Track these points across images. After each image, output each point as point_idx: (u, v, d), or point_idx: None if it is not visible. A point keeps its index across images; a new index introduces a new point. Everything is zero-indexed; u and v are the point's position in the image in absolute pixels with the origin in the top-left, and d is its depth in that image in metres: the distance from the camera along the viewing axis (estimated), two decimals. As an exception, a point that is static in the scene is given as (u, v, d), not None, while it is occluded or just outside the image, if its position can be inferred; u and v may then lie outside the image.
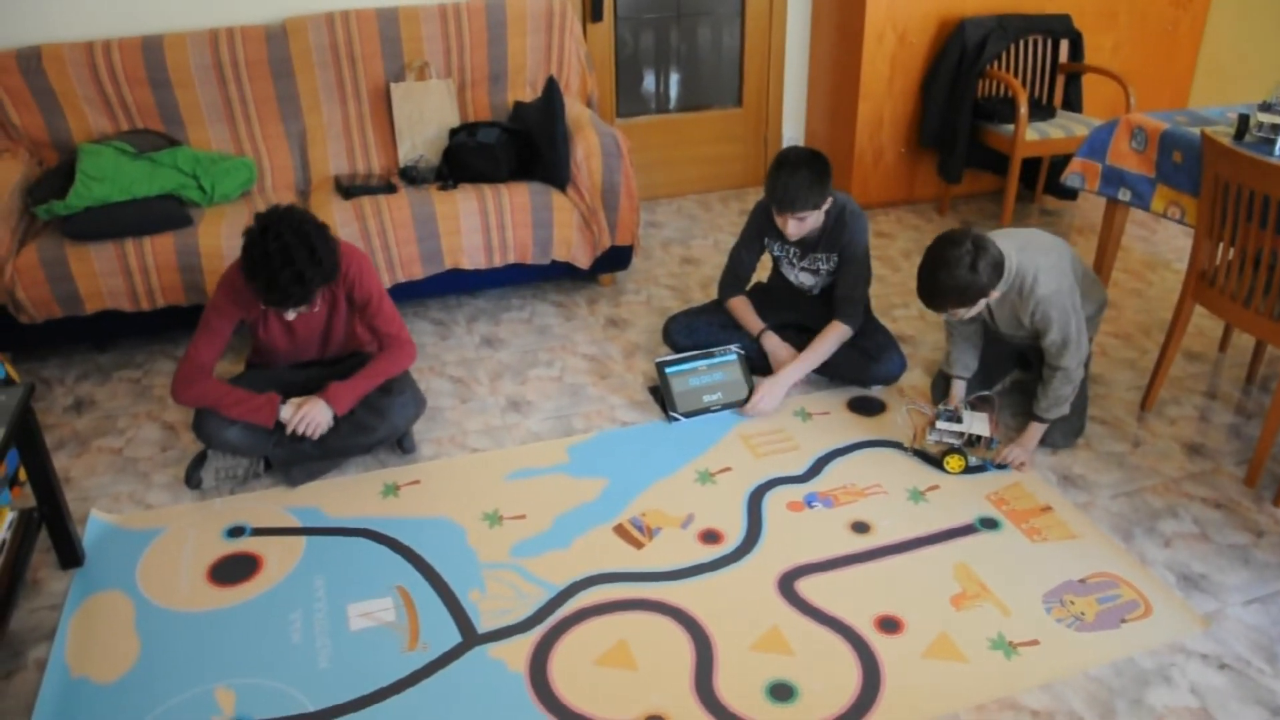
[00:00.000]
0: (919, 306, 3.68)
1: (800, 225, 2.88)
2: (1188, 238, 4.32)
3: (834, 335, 3.00)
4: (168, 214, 3.21)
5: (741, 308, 3.16)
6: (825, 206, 2.88)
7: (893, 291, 3.81)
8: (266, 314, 2.65)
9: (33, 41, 3.53)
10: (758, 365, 3.10)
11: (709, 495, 2.62)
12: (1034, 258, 2.58)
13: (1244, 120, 2.78)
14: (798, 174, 2.78)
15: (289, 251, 2.37)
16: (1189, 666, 2.06)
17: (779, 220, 2.89)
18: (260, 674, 2.07)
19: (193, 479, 2.66)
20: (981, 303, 2.55)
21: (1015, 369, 3.09)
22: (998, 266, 2.51)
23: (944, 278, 2.48)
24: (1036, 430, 2.72)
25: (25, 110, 3.42)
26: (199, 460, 2.68)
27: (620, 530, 2.49)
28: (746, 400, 2.98)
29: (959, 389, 2.82)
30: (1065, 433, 2.77)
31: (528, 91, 3.96)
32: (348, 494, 2.65)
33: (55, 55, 3.40)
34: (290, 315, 2.55)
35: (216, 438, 2.60)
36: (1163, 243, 4.27)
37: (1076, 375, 2.65)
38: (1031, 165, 4.64)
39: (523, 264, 3.62)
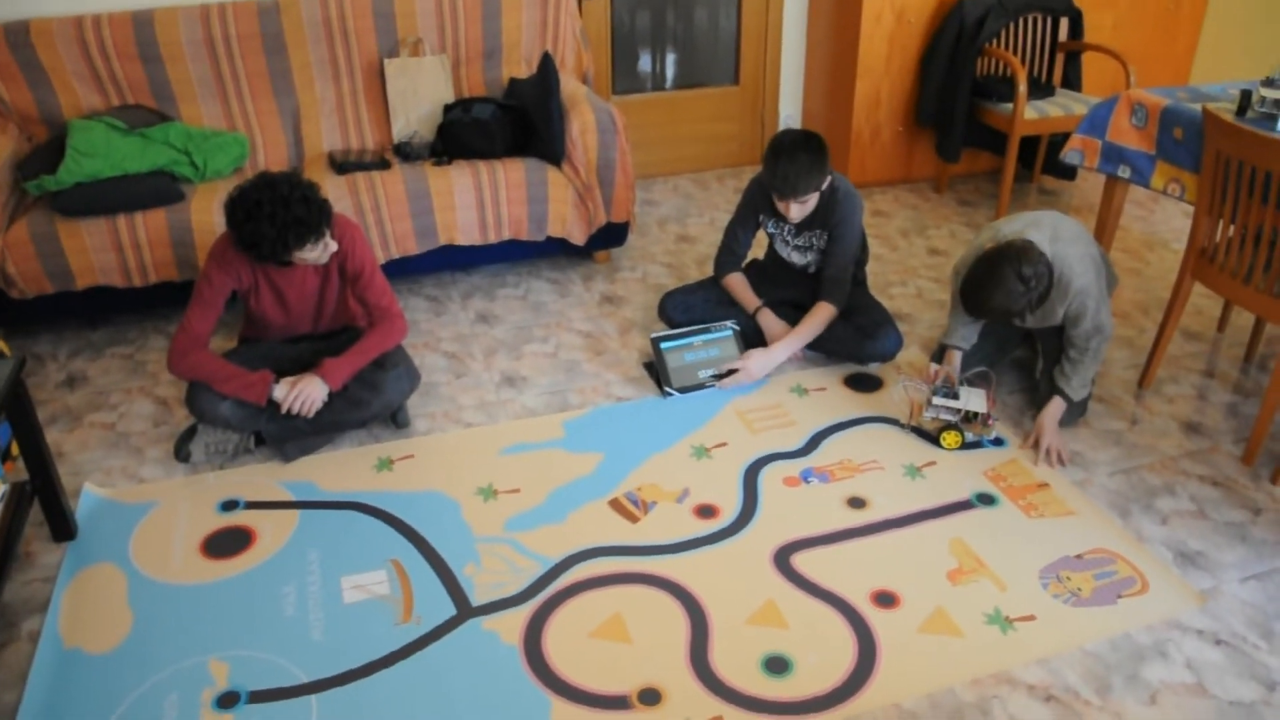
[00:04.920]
0: (916, 284, 3.67)
1: (803, 208, 2.87)
2: (1186, 218, 4.31)
3: (821, 316, 2.99)
4: (159, 190, 3.18)
5: (737, 284, 3.14)
6: (823, 187, 2.86)
7: (890, 269, 3.79)
8: (258, 285, 2.63)
9: (21, 16, 3.49)
10: (753, 341, 3.09)
11: (704, 470, 2.61)
12: (1066, 249, 2.56)
13: (1246, 96, 2.77)
14: (796, 159, 2.76)
15: (276, 188, 2.39)
16: (1185, 642, 2.06)
17: (781, 205, 2.87)
18: (254, 646, 2.06)
19: (181, 452, 2.64)
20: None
21: (1019, 348, 3.07)
22: (1048, 289, 2.49)
23: (1001, 303, 2.46)
24: (1059, 408, 2.69)
25: (14, 86, 3.38)
26: (188, 434, 2.66)
27: (615, 504, 2.48)
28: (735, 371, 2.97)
29: (955, 359, 2.81)
30: (1071, 413, 2.76)
31: (523, 68, 3.93)
32: (341, 468, 2.63)
33: (44, 30, 3.36)
34: (307, 253, 2.49)
35: (209, 412, 2.59)
36: (1161, 222, 4.25)
37: (1103, 355, 2.66)
38: (1030, 145, 4.62)
39: (518, 240, 3.61)
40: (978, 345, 2.88)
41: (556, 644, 2.05)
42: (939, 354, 2.88)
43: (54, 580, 2.26)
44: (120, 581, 2.25)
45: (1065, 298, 2.56)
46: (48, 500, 2.33)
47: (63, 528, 2.37)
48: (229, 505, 2.50)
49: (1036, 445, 2.67)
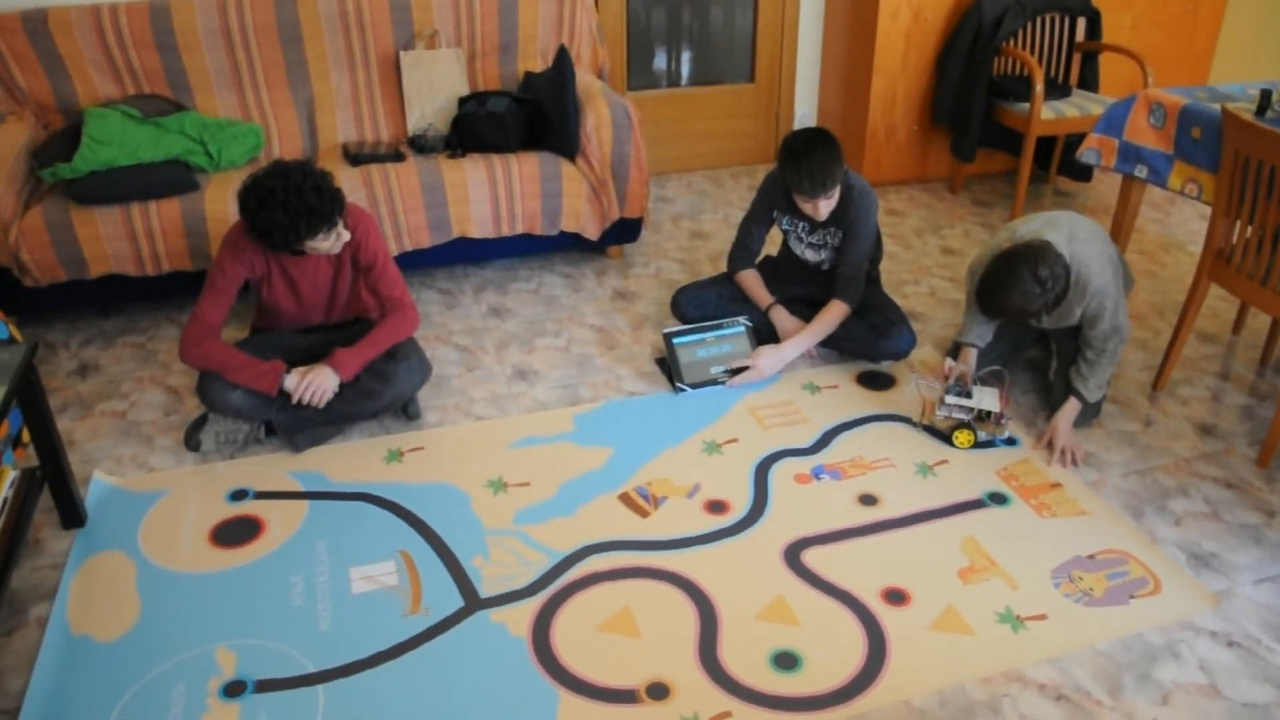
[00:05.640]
0: (930, 283, 3.65)
1: (830, 203, 2.85)
2: (1202, 220, 4.27)
3: (834, 314, 2.98)
4: (174, 179, 3.18)
5: (751, 281, 3.13)
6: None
7: (903, 268, 3.78)
8: (271, 274, 2.63)
9: (39, 4, 3.50)
10: (766, 338, 3.08)
11: (715, 466, 2.59)
12: (1083, 249, 2.54)
13: (1266, 96, 2.74)
14: (816, 156, 2.74)
15: (289, 176, 2.39)
16: (1198, 643, 2.04)
17: (809, 205, 2.85)
18: (261, 635, 2.06)
19: (192, 441, 2.65)
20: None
21: (1033, 347, 3.05)
22: (1065, 289, 2.48)
23: (1015, 303, 2.45)
24: (1074, 409, 2.66)
25: (31, 73, 3.39)
26: (199, 423, 2.66)
27: (625, 499, 2.47)
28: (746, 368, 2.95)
29: (971, 356, 2.78)
30: (1085, 414, 2.73)
31: (538, 62, 3.92)
32: (351, 459, 2.63)
33: (62, 18, 3.37)
34: (320, 243, 2.49)
35: (220, 401, 2.58)
36: (1177, 225, 4.22)
37: (1119, 356, 2.64)
38: (1046, 146, 4.59)
39: (531, 235, 3.60)
40: (992, 344, 2.86)
41: (565, 637, 2.05)
42: (954, 351, 2.86)
43: (63, 567, 2.26)
44: (129, 569, 2.25)
45: (1083, 298, 2.54)
46: (57, 487, 2.33)
47: (72, 515, 2.37)
48: (238, 495, 2.50)
49: (1051, 446, 2.65)
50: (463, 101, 3.63)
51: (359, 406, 2.65)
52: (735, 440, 2.70)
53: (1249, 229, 2.61)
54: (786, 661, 1.98)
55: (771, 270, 3.21)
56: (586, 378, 3.03)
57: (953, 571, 2.23)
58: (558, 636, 2.05)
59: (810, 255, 3.10)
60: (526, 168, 3.45)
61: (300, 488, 2.52)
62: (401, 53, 3.70)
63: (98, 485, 2.52)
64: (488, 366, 3.09)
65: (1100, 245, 2.60)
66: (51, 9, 3.37)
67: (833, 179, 2.77)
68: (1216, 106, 2.81)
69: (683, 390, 2.93)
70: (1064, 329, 2.75)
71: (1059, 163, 4.60)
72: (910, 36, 4.29)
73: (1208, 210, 4.34)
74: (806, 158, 2.74)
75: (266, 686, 1.93)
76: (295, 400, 2.55)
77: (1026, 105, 4.07)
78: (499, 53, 3.87)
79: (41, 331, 3.33)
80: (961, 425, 2.67)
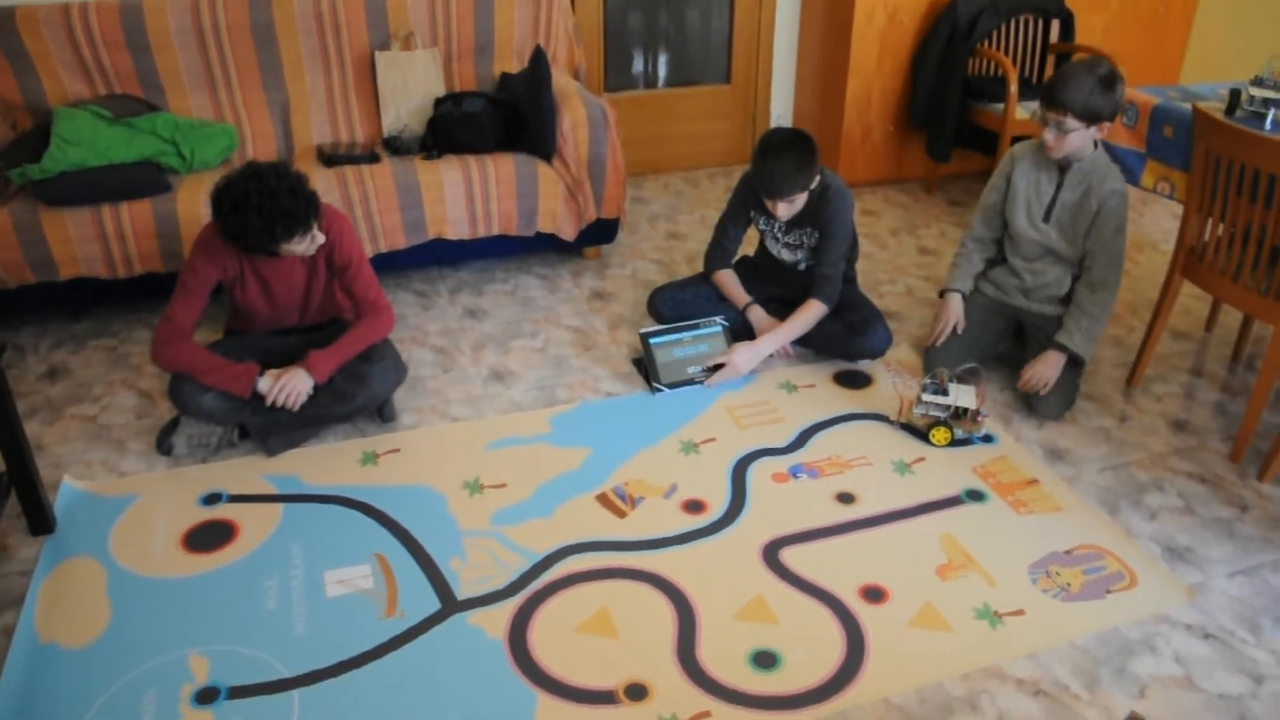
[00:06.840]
0: (906, 283, 3.66)
1: (790, 207, 2.86)
2: (1175, 219, 4.31)
3: (811, 312, 2.98)
4: (146, 180, 3.14)
5: (727, 281, 3.13)
6: (813, 185, 2.85)
7: (879, 268, 3.79)
8: (244, 276, 2.60)
9: (6, 2, 3.45)
10: (743, 338, 3.07)
11: (692, 465, 2.59)
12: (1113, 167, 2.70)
13: (1235, 95, 2.77)
14: (784, 159, 2.74)
15: (263, 178, 2.35)
16: (1173, 636, 2.05)
17: (769, 204, 2.86)
18: (235, 641, 2.03)
19: (164, 445, 2.61)
20: (1087, 133, 2.58)
21: (1006, 341, 3.07)
22: (1116, 108, 2.57)
23: (1073, 84, 2.53)
24: (1058, 358, 2.75)
25: (-1, 73, 3.35)
26: (171, 426, 2.63)
27: (603, 499, 2.46)
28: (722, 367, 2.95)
29: (955, 304, 2.93)
30: (1058, 404, 2.76)
31: (515, 63, 3.90)
32: (326, 462, 2.61)
33: (30, 16, 3.32)
34: (294, 245, 2.46)
35: (192, 404, 2.55)
36: (1150, 224, 4.26)
37: (1111, 305, 2.72)
38: (1020, 145, 4.62)
39: (507, 236, 3.58)
40: (969, 340, 2.89)
41: (542, 639, 2.03)
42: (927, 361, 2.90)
43: (30, 574, 2.23)
44: (99, 575, 2.22)
45: (1101, 188, 2.63)
46: (25, 493, 2.29)
47: (41, 521, 2.33)
48: (211, 499, 2.47)
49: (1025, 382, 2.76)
50: (438, 102, 3.61)
51: (334, 409, 2.63)
52: (712, 440, 2.70)
53: (1220, 227, 2.64)
54: (765, 660, 1.98)
55: (749, 270, 3.20)
56: (563, 378, 3.01)
57: (931, 569, 2.23)
58: (535, 638, 2.03)
59: (786, 255, 3.10)
60: (502, 168, 3.44)
61: (274, 491, 2.50)
62: (377, 53, 3.68)
63: (67, 490, 2.48)
64: (463, 368, 3.08)
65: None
66: (19, 7, 3.32)
67: (794, 185, 2.77)
68: (1187, 106, 2.84)
69: (660, 390, 2.92)
70: (1041, 315, 2.80)
71: (1033, 163, 4.62)
72: (885, 38, 4.30)
73: (1180, 209, 4.38)
74: (775, 158, 2.75)
75: (240, 693, 1.91)
76: (269, 403, 2.53)
77: (1001, 105, 4.09)
78: (475, 54, 3.86)
79: (9, 335, 3.29)
80: (938, 423, 2.67)
